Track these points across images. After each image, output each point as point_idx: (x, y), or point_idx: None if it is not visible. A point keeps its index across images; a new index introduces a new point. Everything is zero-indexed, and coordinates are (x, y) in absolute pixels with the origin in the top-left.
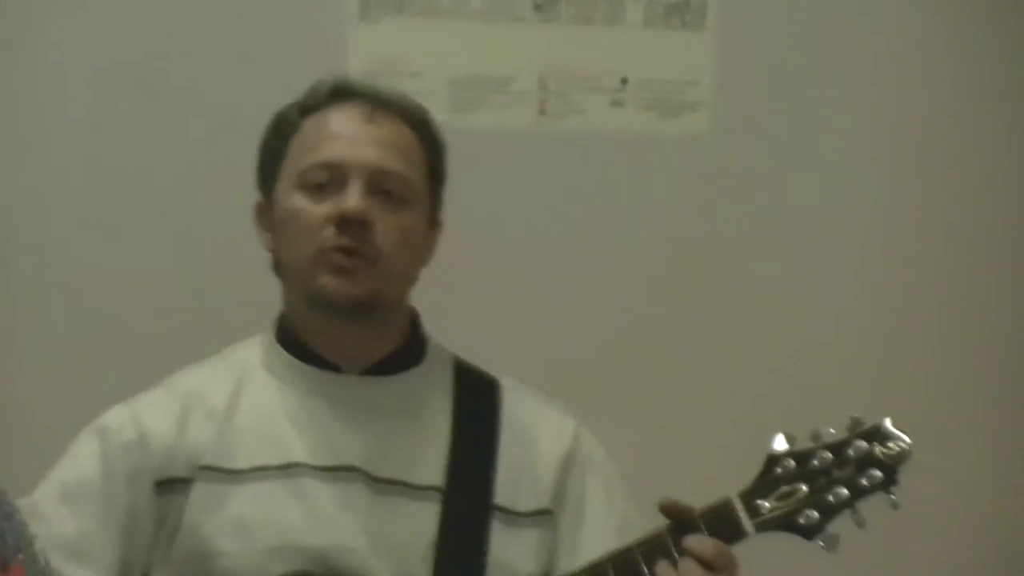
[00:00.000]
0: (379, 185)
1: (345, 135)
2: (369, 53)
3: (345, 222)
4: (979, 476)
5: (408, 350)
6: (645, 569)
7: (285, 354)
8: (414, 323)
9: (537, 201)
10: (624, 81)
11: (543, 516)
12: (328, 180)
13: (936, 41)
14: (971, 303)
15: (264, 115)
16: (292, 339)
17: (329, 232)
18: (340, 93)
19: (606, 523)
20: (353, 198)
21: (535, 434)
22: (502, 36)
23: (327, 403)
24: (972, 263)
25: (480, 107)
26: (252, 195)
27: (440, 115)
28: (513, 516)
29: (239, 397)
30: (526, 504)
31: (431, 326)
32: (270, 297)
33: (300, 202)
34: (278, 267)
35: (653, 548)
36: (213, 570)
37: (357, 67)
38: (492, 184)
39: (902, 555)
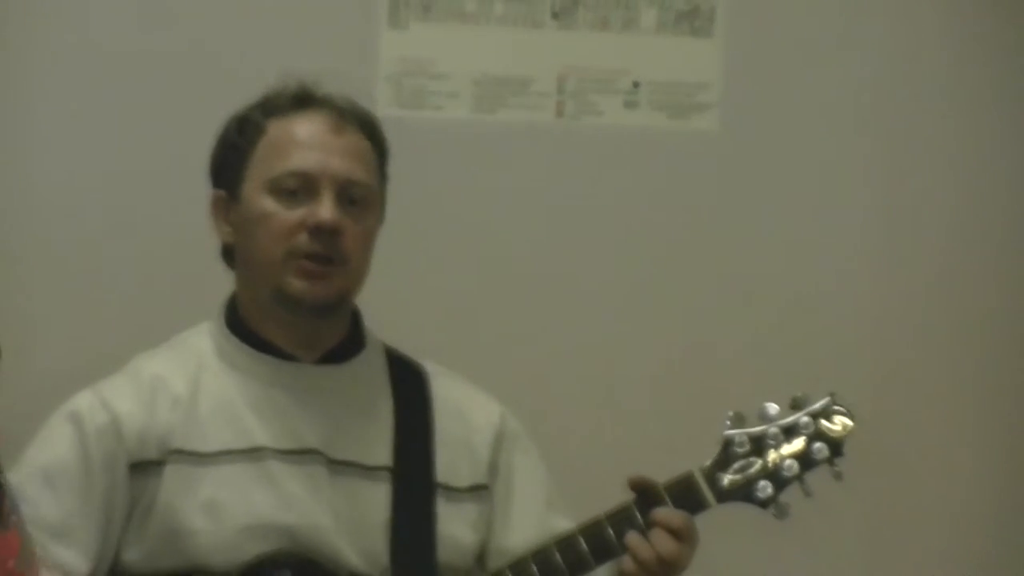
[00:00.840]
0: (347, 194)
1: (315, 145)
2: (397, 56)
3: (319, 231)
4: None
5: (352, 340)
6: (615, 539)
7: (242, 344)
8: (355, 315)
9: (555, 194)
10: (637, 84)
11: (480, 491)
12: (299, 187)
13: (935, 45)
14: (968, 301)
15: None
16: (245, 329)
17: (302, 238)
18: (303, 100)
19: (535, 494)
20: (327, 209)
21: (466, 416)
22: (523, 40)
23: (286, 391)
24: (969, 261)
25: (502, 107)
26: None
27: (464, 113)
28: (454, 492)
29: (199, 384)
30: (464, 480)
31: (452, 314)
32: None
33: (271, 206)
34: (228, 257)
35: (622, 519)
36: (187, 548)
37: (387, 69)
38: (513, 178)
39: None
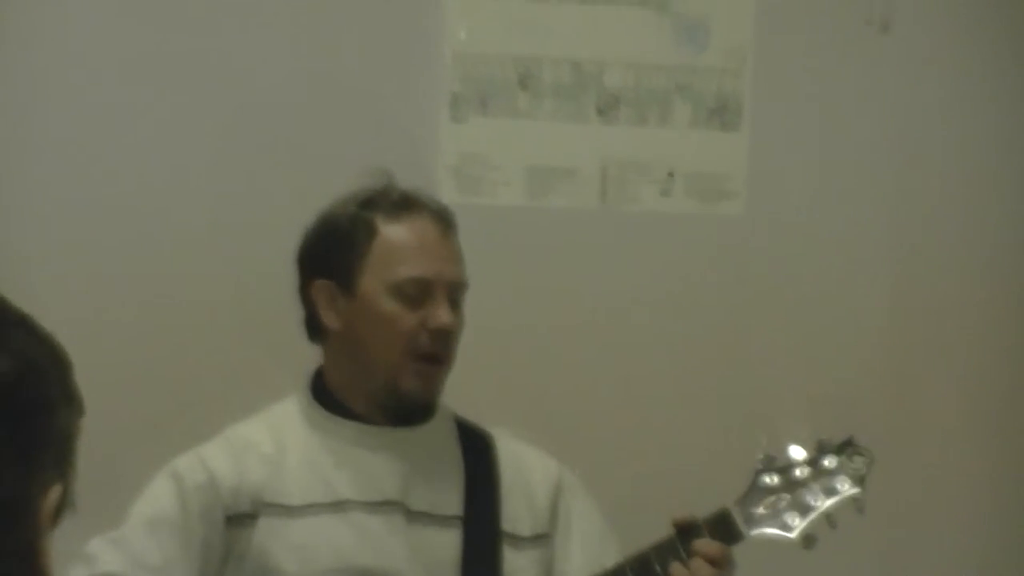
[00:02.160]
0: (454, 296)
1: (429, 251)
2: (457, 148)
3: (440, 334)
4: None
5: (423, 407)
6: (660, 570)
7: (324, 411)
8: None
9: (599, 272)
10: (671, 174)
11: (541, 538)
12: (418, 292)
13: (945, 128)
14: (974, 357)
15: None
16: (332, 400)
17: (423, 339)
18: (407, 202)
19: (590, 535)
20: (446, 314)
21: (527, 472)
22: (570, 134)
23: (367, 450)
24: (984, 338)
25: (551, 193)
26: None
27: (517, 200)
28: (518, 539)
29: (285, 444)
30: (527, 529)
31: (511, 382)
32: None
33: (395, 308)
34: (313, 333)
35: (665, 551)
36: None
37: (448, 160)
38: (561, 258)
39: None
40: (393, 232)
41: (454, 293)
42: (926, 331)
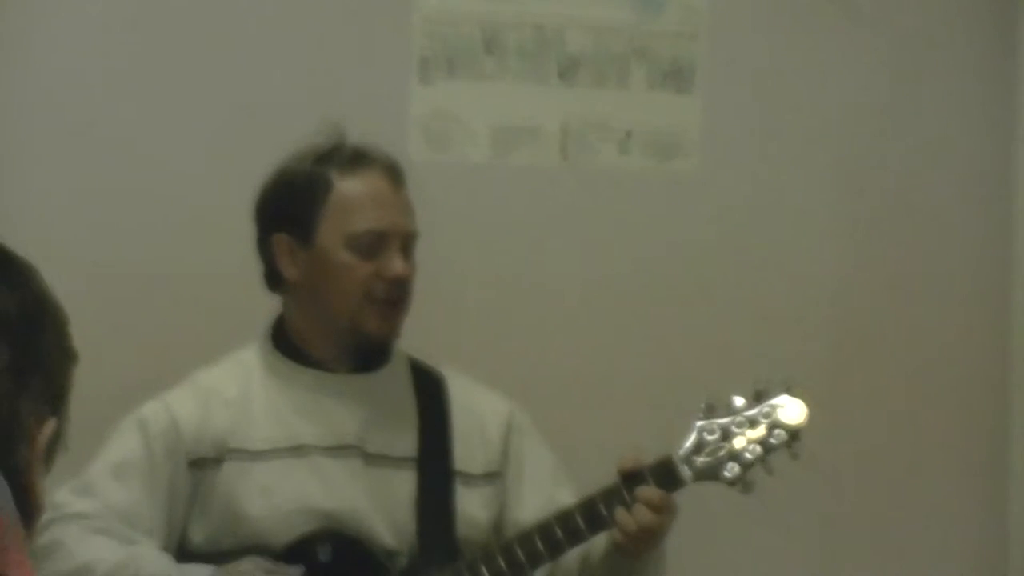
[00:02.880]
0: (406, 245)
1: (383, 204)
2: (426, 108)
3: (396, 282)
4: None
5: (380, 353)
6: (605, 514)
7: (285, 359)
8: None
9: (559, 225)
10: (628, 133)
11: (493, 476)
12: (373, 243)
13: (895, 99)
14: (910, 307)
15: None
16: (291, 347)
17: (379, 287)
18: (360, 158)
19: (542, 474)
20: (400, 263)
21: (479, 413)
22: (533, 95)
23: (325, 396)
24: (918, 269)
25: (514, 151)
26: None
27: (483, 158)
28: (470, 478)
29: (249, 391)
30: (479, 468)
31: (469, 325)
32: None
33: (351, 259)
34: (273, 284)
35: (611, 497)
36: (245, 530)
37: (417, 119)
38: (524, 212)
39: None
40: (348, 186)
41: (407, 242)
42: (873, 288)
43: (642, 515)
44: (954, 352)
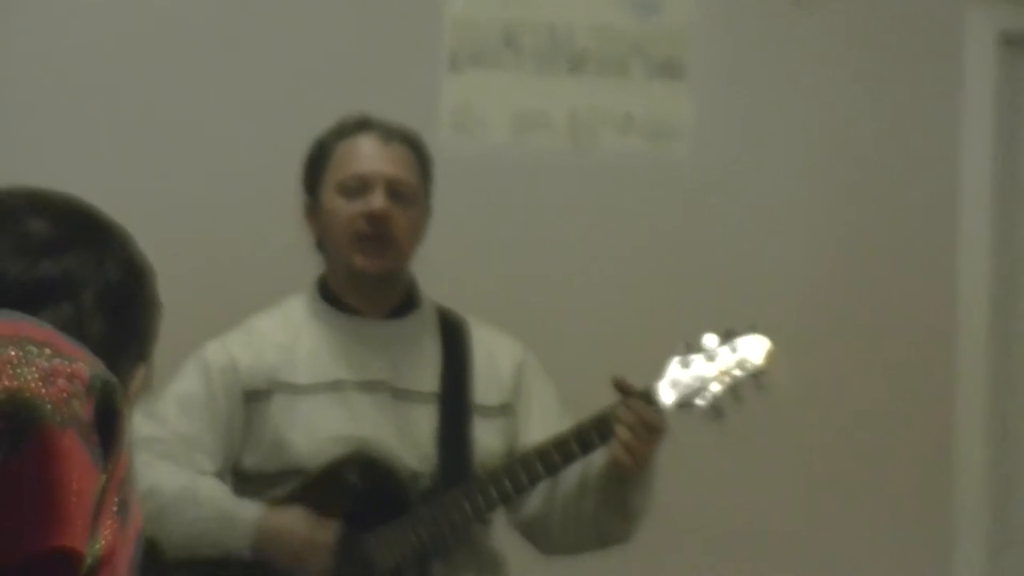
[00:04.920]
0: (394, 190)
1: (369, 155)
2: (454, 96)
3: (373, 217)
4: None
5: (409, 301)
6: (596, 437)
7: (327, 306)
8: (412, 282)
9: (570, 198)
10: (629, 118)
11: (506, 407)
12: (359, 186)
13: (863, 96)
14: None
15: None
16: (330, 295)
17: (361, 223)
18: (362, 125)
19: (548, 407)
20: (378, 200)
21: (496, 353)
22: (546, 85)
23: (360, 339)
24: (878, 245)
25: (530, 134)
26: None
27: (502, 139)
28: (487, 409)
29: (296, 334)
30: (494, 400)
31: (489, 281)
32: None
33: (339, 203)
34: (319, 246)
35: (600, 419)
36: (286, 454)
37: (447, 105)
38: (538, 185)
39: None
40: (342, 146)
41: (392, 187)
42: (840, 253)
43: (622, 434)
44: (906, 308)
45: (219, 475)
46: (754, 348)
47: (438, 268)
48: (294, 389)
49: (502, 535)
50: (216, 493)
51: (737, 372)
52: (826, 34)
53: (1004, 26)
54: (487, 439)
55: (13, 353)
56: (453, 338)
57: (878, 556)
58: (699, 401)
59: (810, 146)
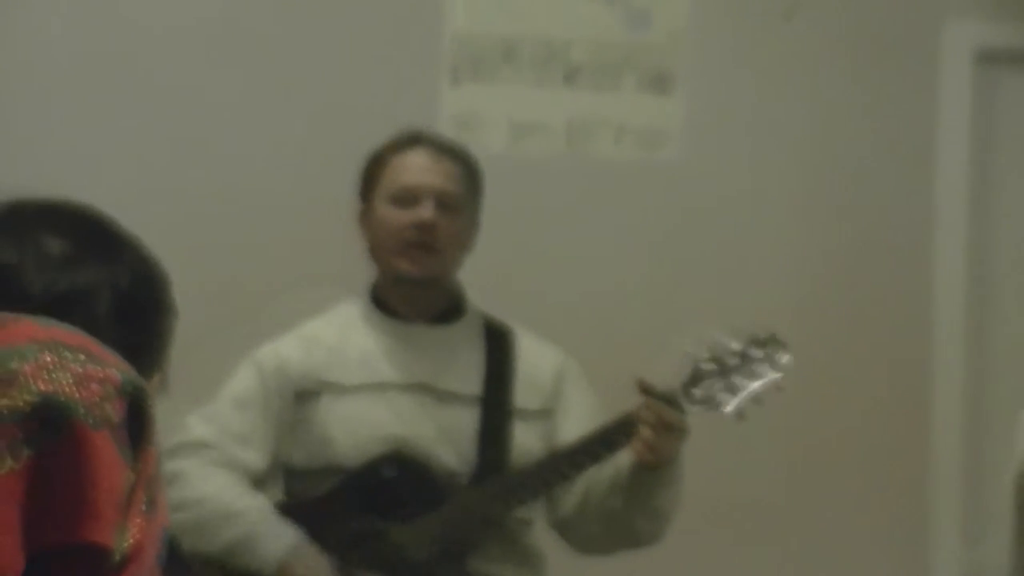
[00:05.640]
0: (442, 201)
1: (420, 168)
2: (455, 107)
3: (420, 226)
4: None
5: (454, 308)
6: (619, 437)
7: (376, 310)
8: (458, 290)
9: (565, 203)
10: (622, 129)
11: (546, 412)
12: (408, 198)
13: (844, 105)
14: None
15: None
16: (380, 301)
17: (410, 233)
18: (415, 140)
19: (585, 413)
20: (427, 211)
21: (538, 360)
22: (543, 97)
23: (406, 343)
24: (855, 244)
25: (527, 143)
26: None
27: (501, 148)
28: (526, 413)
29: (346, 337)
30: (534, 404)
31: (499, 282)
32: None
33: (390, 212)
34: (371, 253)
35: (623, 422)
36: (328, 452)
37: (448, 116)
38: (535, 191)
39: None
40: (397, 158)
41: (441, 199)
42: (823, 254)
43: (643, 432)
44: (886, 305)
45: (268, 470)
46: (775, 353)
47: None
48: (341, 389)
49: (544, 534)
50: (255, 517)
51: (760, 376)
52: (810, 49)
53: (979, 43)
54: (526, 441)
55: (49, 358)
56: (497, 344)
57: (857, 540)
58: (720, 403)
59: (794, 155)
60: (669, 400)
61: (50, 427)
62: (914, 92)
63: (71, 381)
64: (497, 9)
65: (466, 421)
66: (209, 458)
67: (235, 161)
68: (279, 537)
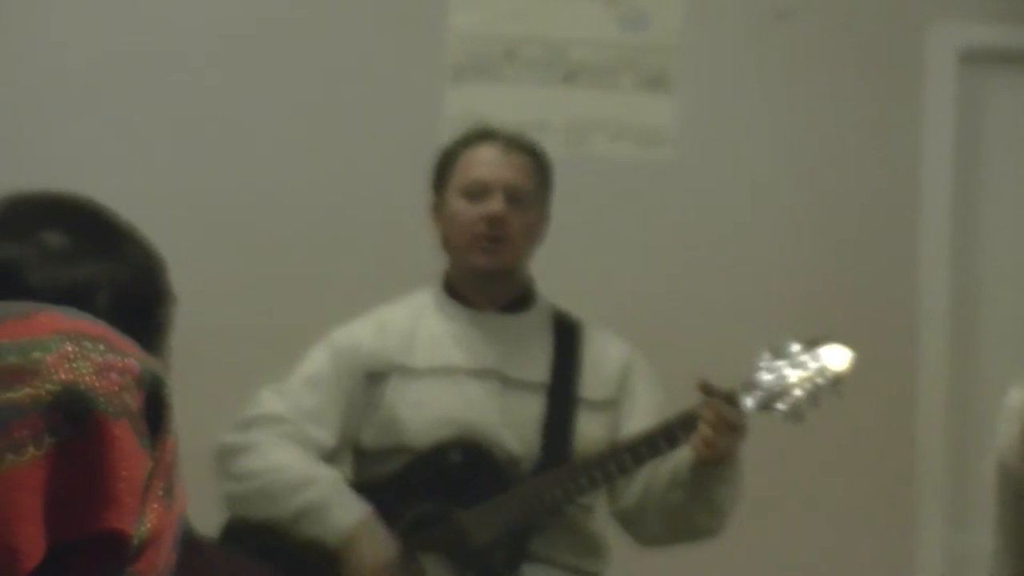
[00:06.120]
0: (512, 195)
1: (490, 162)
2: (458, 105)
3: (492, 220)
4: None
5: (524, 298)
6: (680, 433)
7: (448, 298)
8: (529, 281)
9: (568, 200)
10: (619, 127)
11: (610, 403)
12: (479, 191)
13: (828, 103)
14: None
15: (380, 162)
16: (452, 289)
17: (481, 226)
18: (487, 135)
19: (648, 407)
20: (497, 204)
21: (606, 352)
22: (543, 96)
23: (475, 330)
24: (834, 242)
25: None
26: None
27: None
28: (591, 403)
29: (418, 322)
30: (600, 395)
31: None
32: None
33: (462, 205)
34: (444, 245)
35: (684, 418)
36: (400, 431)
37: (451, 114)
38: None
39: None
40: (468, 153)
41: (511, 192)
42: (812, 248)
43: (703, 431)
44: (873, 295)
45: (337, 448)
46: (835, 356)
47: (441, 263)
48: (411, 372)
49: (607, 522)
50: (328, 486)
51: (819, 379)
52: (800, 51)
53: (963, 43)
54: (589, 431)
55: (70, 348)
56: (565, 335)
57: (843, 525)
58: (780, 405)
59: (785, 153)
60: (729, 399)
61: (71, 416)
62: (900, 91)
63: (92, 371)
64: (498, 11)
65: (532, 408)
66: (282, 431)
67: (236, 158)
68: (350, 509)
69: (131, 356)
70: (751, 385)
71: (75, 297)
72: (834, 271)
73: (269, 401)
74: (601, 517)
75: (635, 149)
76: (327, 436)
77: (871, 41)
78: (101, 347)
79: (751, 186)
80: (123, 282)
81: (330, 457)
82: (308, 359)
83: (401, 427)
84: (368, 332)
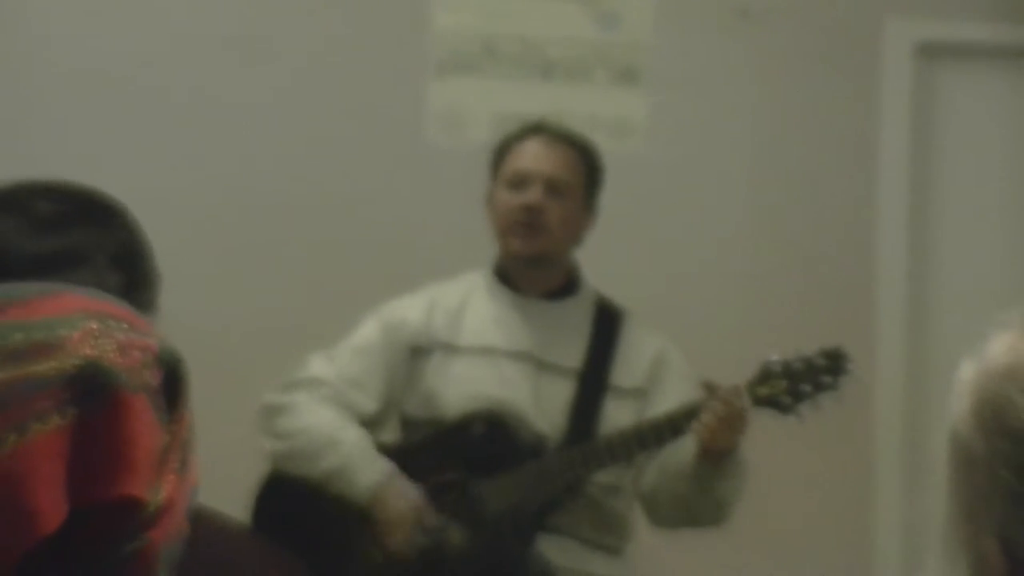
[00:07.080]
0: (552, 186)
1: (534, 155)
2: (440, 99)
3: (529, 209)
4: None
5: (567, 286)
6: (685, 423)
7: (496, 281)
8: (573, 270)
9: None
10: (593, 119)
11: (640, 392)
12: (520, 181)
13: (796, 101)
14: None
15: (366, 153)
16: (502, 274)
17: (519, 214)
18: (536, 129)
19: (676, 401)
20: (535, 194)
21: (641, 343)
22: (521, 90)
23: (517, 313)
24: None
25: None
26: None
27: (483, 138)
28: (621, 390)
29: (466, 302)
30: (630, 383)
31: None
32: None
33: (505, 195)
34: (494, 231)
35: (691, 407)
36: (437, 405)
37: (434, 108)
38: None
39: None
40: (516, 146)
41: (551, 184)
42: (771, 235)
43: (706, 420)
44: (828, 278)
45: (380, 414)
46: (838, 362)
47: (424, 255)
48: (454, 350)
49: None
50: (350, 448)
51: (823, 385)
52: (763, 47)
53: (920, 37)
54: (616, 417)
55: (95, 326)
56: (605, 323)
57: (801, 495)
58: (781, 404)
59: (748, 145)
60: (733, 394)
61: (94, 389)
62: (857, 84)
63: (114, 348)
64: (479, 10)
65: (562, 392)
66: (321, 394)
67: (219, 155)
68: (373, 468)
69: (151, 336)
70: (757, 383)
71: (73, 259)
72: (794, 255)
73: (316, 365)
74: (628, 497)
75: (607, 141)
76: (367, 402)
77: (830, 36)
78: (124, 326)
79: (715, 176)
80: (118, 242)
81: (369, 423)
82: (359, 329)
83: (438, 401)
84: (417, 309)
